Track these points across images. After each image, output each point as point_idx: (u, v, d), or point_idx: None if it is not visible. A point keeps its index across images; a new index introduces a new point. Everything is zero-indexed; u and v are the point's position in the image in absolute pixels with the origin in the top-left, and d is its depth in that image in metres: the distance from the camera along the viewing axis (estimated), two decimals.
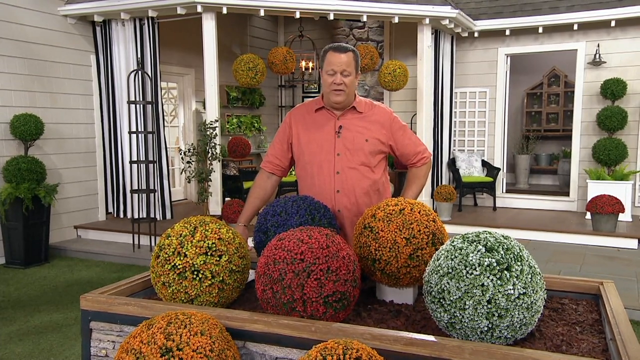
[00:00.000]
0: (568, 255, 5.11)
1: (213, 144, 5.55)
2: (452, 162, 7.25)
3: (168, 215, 6.14)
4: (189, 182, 5.92)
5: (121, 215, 6.29)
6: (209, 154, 5.56)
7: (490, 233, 1.43)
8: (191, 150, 5.68)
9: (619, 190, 6.04)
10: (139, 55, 5.90)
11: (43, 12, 5.63)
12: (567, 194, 7.14)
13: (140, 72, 5.74)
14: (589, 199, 5.88)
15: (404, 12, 5.90)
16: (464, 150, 7.55)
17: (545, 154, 9.65)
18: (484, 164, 7.29)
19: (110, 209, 6.38)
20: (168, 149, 6.27)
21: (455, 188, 6.84)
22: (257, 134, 8.56)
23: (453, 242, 1.45)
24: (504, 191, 7.56)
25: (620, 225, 5.87)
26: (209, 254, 1.58)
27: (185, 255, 1.57)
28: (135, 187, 5.99)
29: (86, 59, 6.11)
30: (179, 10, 5.46)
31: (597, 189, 6.10)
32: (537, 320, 1.36)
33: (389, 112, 2.18)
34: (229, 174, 7.14)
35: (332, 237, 1.56)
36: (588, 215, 6.17)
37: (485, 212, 6.96)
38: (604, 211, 5.48)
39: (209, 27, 5.48)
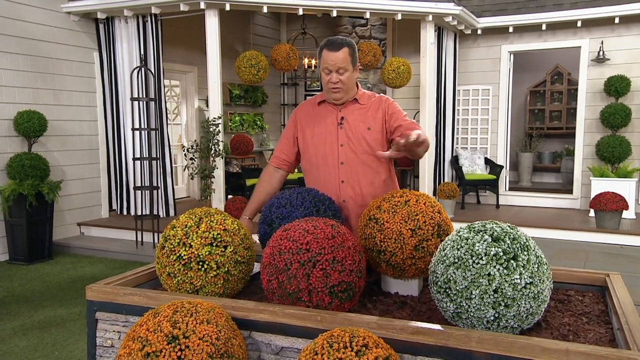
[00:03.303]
0: (572, 253, 5.10)
1: (216, 141, 5.56)
2: (454, 160, 7.24)
3: (171, 212, 6.15)
4: (192, 179, 5.92)
5: (124, 213, 6.30)
6: (212, 151, 5.56)
7: (496, 223, 1.42)
8: (194, 147, 5.68)
9: (623, 187, 6.02)
10: (142, 52, 5.91)
11: (46, 9, 5.64)
12: (570, 192, 7.13)
13: (143, 69, 5.75)
14: (592, 196, 5.86)
15: (407, 9, 5.88)
16: (466, 147, 7.53)
17: (548, 152, 9.63)
18: (487, 161, 7.28)
19: (114, 206, 6.39)
20: (171, 147, 6.28)
21: (458, 186, 6.83)
22: (260, 132, 8.56)
23: (459, 232, 1.44)
24: (507, 189, 7.55)
25: (624, 222, 5.85)
26: (214, 244, 1.58)
27: (191, 246, 1.57)
28: (138, 184, 6.00)
29: (89, 56, 6.12)
30: (182, 7, 5.46)
31: (600, 186, 6.09)
32: (543, 310, 1.35)
33: (387, 98, 2.18)
34: (232, 171, 7.15)
35: (338, 227, 1.55)
36: (591, 213, 6.15)
37: (488, 210, 6.95)
38: (608, 208, 5.47)
39: (212, 24, 5.47)
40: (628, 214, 6.03)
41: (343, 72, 2.02)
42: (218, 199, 5.67)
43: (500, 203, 7.18)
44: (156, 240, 5.45)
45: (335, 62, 1.99)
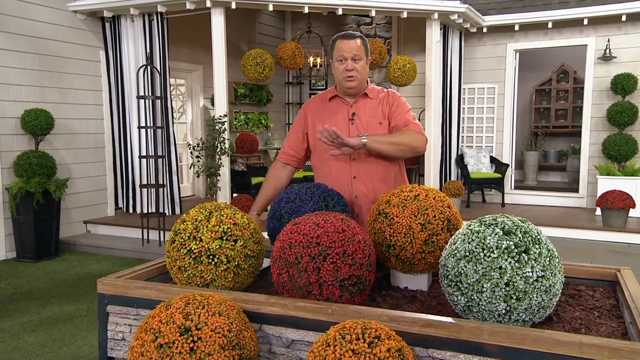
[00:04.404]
0: (578, 251, 5.08)
1: (222, 139, 5.57)
2: (460, 158, 7.22)
3: (177, 211, 6.17)
4: (197, 176, 5.94)
5: (130, 211, 6.33)
6: (218, 149, 5.57)
7: (507, 217, 1.42)
8: (200, 145, 5.69)
9: (630, 186, 6.00)
10: (148, 51, 5.93)
11: (53, 8, 5.67)
12: (576, 191, 7.10)
13: (149, 67, 5.76)
14: (598, 195, 5.84)
15: (413, 7, 5.88)
16: (472, 146, 7.52)
17: (553, 150, 9.59)
18: (492, 160, 7.26)
19: (120, 204, 6.41)
20: (177, 145, 6.29)
21: (464, 184, 6.82)
22: (265, 131, 8.57)
23: (470, 225, 1.44)
24: (513, 187, 7.53)
25: (630, 221, 5.83)
26: (224, 238, 1.59)
27: (201, 240, 1.57)
28: (144, 182, 6.02)
29: (96, 54, 6.14)
30: (188, 6, 5.48)
31: (607, 184, 6.06)
32: (555, 303, 1.35)
33: (395, 93, 2.18)
34: (237, 169, 7.16)
35: (348, 221, 1.55)
36: (598, 212, 6.13)
37: (494, 209, 6.93)
38: (615, 206, 5.44)
39: (218, 22, 5.49)
40: (635, 212, 6.00)
41: (358, 60, 2.03)
42: (224, 197, 5.68)
43: (505, 202, 7.16)
44: (162, 238, 5.47)
45: (351, 49, 2.01)
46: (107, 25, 6.16)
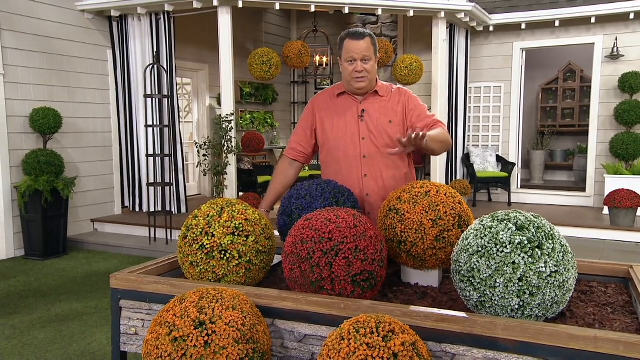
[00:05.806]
0: (586, 250, 5.06)
1: (229, 137, 5.58)
2: (466, 157, 7.21)
3: (183, 209, 6.19)
4: (204, 175, 5.96)
5: (137, 209, 6.35)
6: (225, 147, 5.59)
7: (520, 212, 1.42)
8: (207, 144, 5.71)
9: (637, 184, 5.96)
10: (155, 50, 5.95)
11: (61, 7, 5.70)
12: (583, 190, 7.07)
13: (156, 66, 5.78)
14: (605, 194, 5.81)
15: (419, 6, 5.87)
16: (478, 145, 7.50)
17: (560, 149, 9.56)
18: (499, 159, 7.24)
19: (126, 203, 6.43)
20: (183, 144, 6.31)
21: (470, 183, 6.80)
22: (270, 130, 8.59)
23: (482, 221, 1.44)
24: (519, 187, 7.50)
25: (638, 220, 5.79)
26: (236, 234, 1.59)
27: (213, 235, 1.58)
28: (151, 180, 6.04)
29: (103, 54, 6.17)
30: (195, 5, 5.49)
31: (614, 183, 6.03)
32: (568, 299, 1.35)
33: (406, 90, 2.17)
34: (243, 168, 7.17)
35: (360, 217, 1.56)
36: (605, 211, 6.10)
37: (500, 208, 6.90)
38: (622, 205, 5.41)
39: (225, 21, 5.50)
40: None
41: (367, 61, 2.02)
42: (230, 196, 5.69)
43: (512, 201, 7.14)
44: (169, 237, 5.49)
45: (360, 50, 1.99)
46: (115, 24, 6.19)
